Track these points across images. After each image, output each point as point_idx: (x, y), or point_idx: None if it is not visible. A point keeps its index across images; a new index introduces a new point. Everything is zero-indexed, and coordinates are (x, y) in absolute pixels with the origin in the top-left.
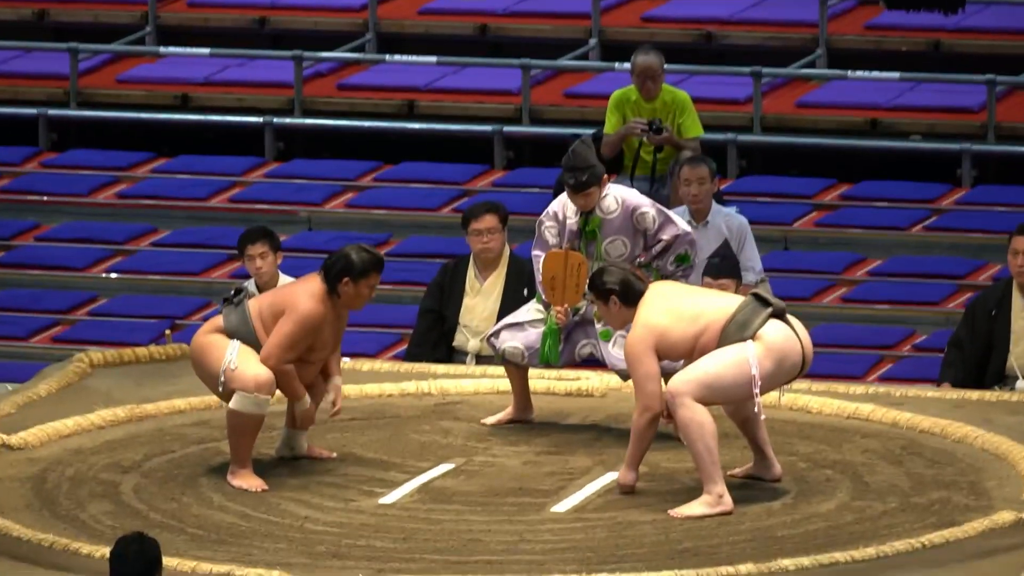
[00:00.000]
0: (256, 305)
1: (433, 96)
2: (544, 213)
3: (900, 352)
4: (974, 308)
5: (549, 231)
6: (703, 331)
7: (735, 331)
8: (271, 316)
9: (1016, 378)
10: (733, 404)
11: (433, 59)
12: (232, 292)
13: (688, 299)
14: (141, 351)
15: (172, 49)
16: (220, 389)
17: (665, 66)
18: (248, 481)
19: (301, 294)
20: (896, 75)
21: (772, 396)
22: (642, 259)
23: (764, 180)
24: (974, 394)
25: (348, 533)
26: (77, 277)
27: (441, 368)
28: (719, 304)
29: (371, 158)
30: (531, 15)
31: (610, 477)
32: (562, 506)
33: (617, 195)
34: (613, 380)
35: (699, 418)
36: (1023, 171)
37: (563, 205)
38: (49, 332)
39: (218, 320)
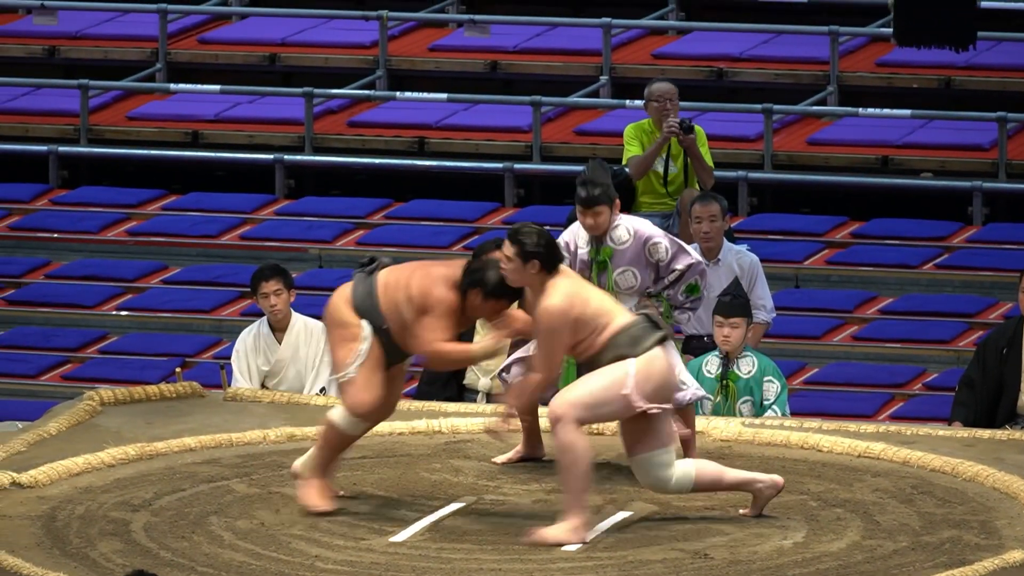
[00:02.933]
0: (385, 279)
1: (443, 133)
2: None
3: (911, 391)
4: (985, 347)
5: None
6: (595, 331)
7: (627, 344)
8: (406, 299)
9: None
10: (614, 421)
11: (443, 96)
12: (367, 259)
13: (595, 294)
14: (151, 389)
15: (182, 86)
16: (334, 385)
17: (679, 105)
18: (313, 495)
19: (440, 282)
20: (907, 112)
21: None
22: (652, 289)
23: (775, 218)
24: (985, 433)
25: (358, 572)
26: (87, 315)
27: (452, 406)
28: (616, 311)
29: (381, 195)
30: (542, 52)
31: (621, 516)
32: (573, 545)
33: (629, 226)
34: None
35: (579, 443)
36: None
37: (574, 235)
38: (59, 370)
39: (347, 289)
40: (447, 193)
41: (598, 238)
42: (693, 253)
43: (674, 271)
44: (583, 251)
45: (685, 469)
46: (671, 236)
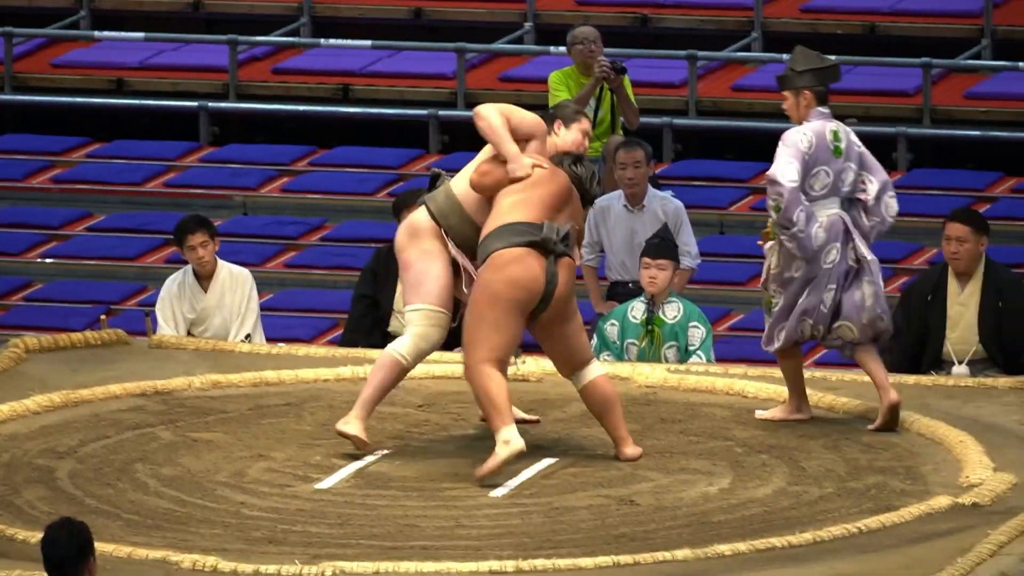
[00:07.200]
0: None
1: (368, 80)
2: None
3: None
4: (910, 293)
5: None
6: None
7: None
8: None
9: (952, 363)
10: None
11: (368, 43)
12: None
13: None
14: (76, 336)
15: (107, 33)
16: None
17: (602, 49)
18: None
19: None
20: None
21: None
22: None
23: (700, 164)
24: (910, 379)
25: (284, 518)
26: (12, 262)
27: (376, 353)
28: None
29: (306, 143)
30: None
31: (546, 463)
32: (498, 491)
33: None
34: (549, 365)
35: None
36: (958, 155)
37: None
38: None
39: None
40: (371, 140)
41: None
42: (780, 168)
43: None
44: None
45: None
46: (795, 143)
